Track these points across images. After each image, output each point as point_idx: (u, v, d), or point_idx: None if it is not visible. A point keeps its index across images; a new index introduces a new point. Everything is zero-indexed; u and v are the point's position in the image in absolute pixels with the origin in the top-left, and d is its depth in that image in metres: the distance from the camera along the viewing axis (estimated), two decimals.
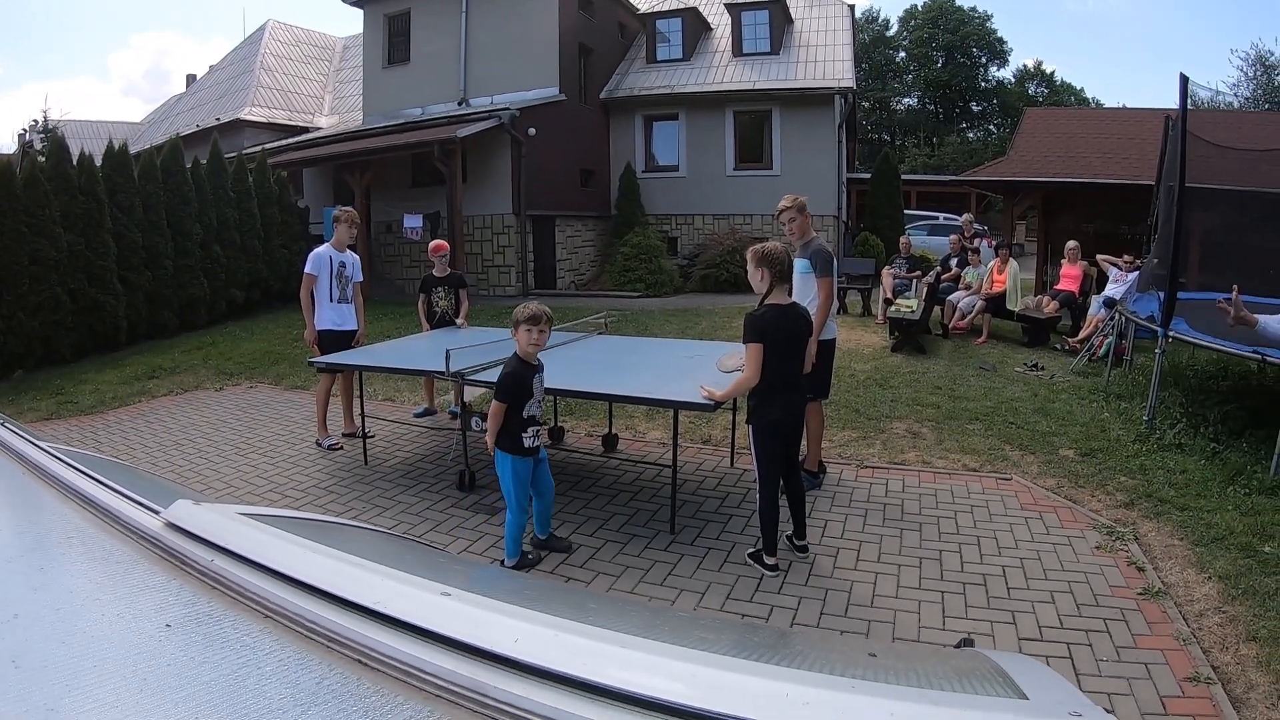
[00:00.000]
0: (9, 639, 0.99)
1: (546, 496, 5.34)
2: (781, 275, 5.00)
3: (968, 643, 2.39)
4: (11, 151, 13.26)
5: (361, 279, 8.29)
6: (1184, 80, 8.24)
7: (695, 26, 24.42)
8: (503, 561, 5.20)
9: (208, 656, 0.99)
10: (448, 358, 6.00)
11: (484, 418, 6.48)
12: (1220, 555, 5.11)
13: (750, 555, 5.35)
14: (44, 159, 13.90)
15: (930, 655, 1.76)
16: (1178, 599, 4.66)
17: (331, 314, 7.86)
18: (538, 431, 5.10)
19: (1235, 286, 7.62)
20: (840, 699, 0.81)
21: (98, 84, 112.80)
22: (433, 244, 8.86)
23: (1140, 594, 4.72)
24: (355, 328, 8.06)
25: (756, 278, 5.03)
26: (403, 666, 0.93)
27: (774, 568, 5.15)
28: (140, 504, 1.49)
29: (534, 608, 1.07)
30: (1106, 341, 10.58)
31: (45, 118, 34.78)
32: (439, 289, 8.79)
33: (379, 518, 6.07)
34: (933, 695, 0.86)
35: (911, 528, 5.75)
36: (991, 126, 61.83)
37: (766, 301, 4.98)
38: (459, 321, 8.76)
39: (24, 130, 36.56)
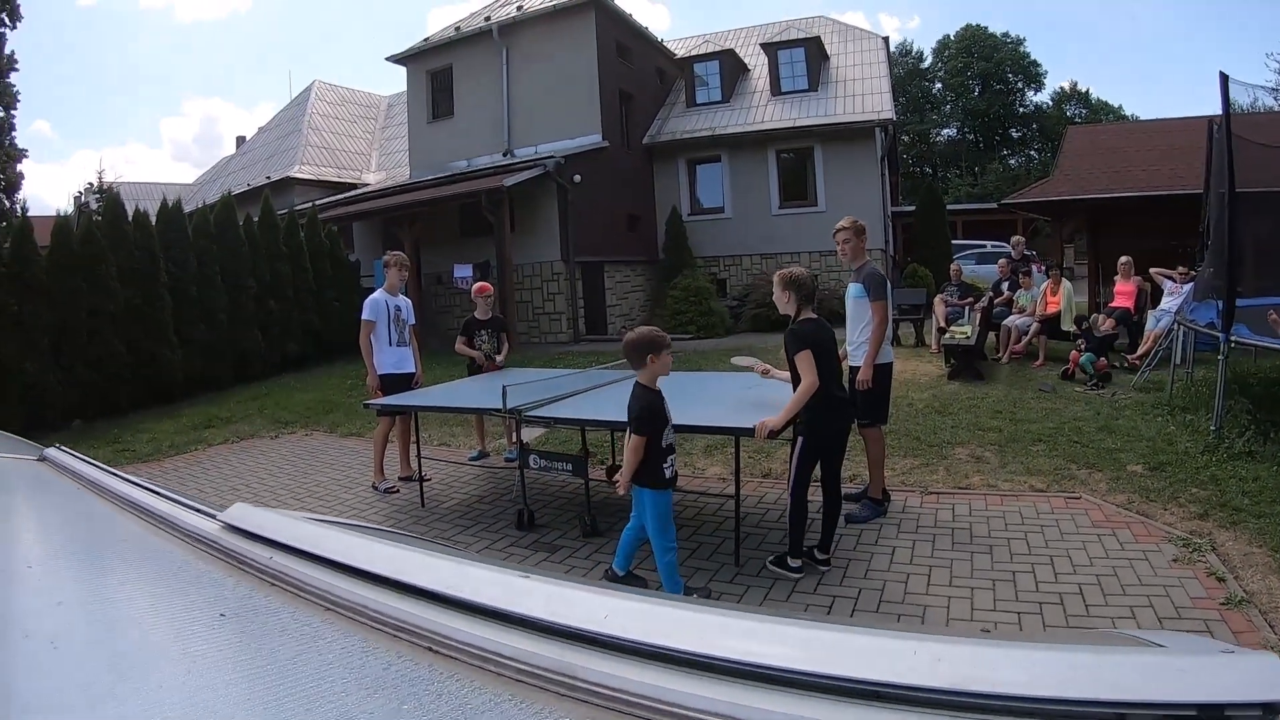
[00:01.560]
0: (49, 623, 1.00)
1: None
2: (807, 297, 5.30)
3: None
4: (68, 214, 13.63)
5: (415, 322, 8.33)
6: (1224, 79, 8.08)
7: (733, 68, 24.56)
8: None
9: (263, 644, 0.98)
10: (504, 395, 5.96)
11: (543, 455, 6.45)
12: None
13: (772, 561, 5.39)
14: (100, 217, 14.20)
15: (1047, 630, 1.65)
16: (1262, 606, 4.47)
17: (391, 357, 7.89)
18: (673, 460, 4.94)
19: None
20: (976, 652, 0.73)
21: (148, 151, 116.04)
22: (477, 285, 8.85)
23: (1223, 604, 4.54)
24: (413, 370, 8.10)
25: (783, 300, 5.33)
26: (478, 651, 0.86)
27: (799, 570, 5.23)
28: (196, 509, 1.50)
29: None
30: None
31: (100, 179, 35.62)
32: (482, 331, 8.78)
33: None
34: (1070, 647, 0.77)
35: (982, 550, 5.58)
36: (1032, 151, 61.25)
37: (800, 318, 5.22)
38: (498, 359, 8.76)
39: (80, 193, 37.48)
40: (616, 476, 4.88)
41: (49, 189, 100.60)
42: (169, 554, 1.34)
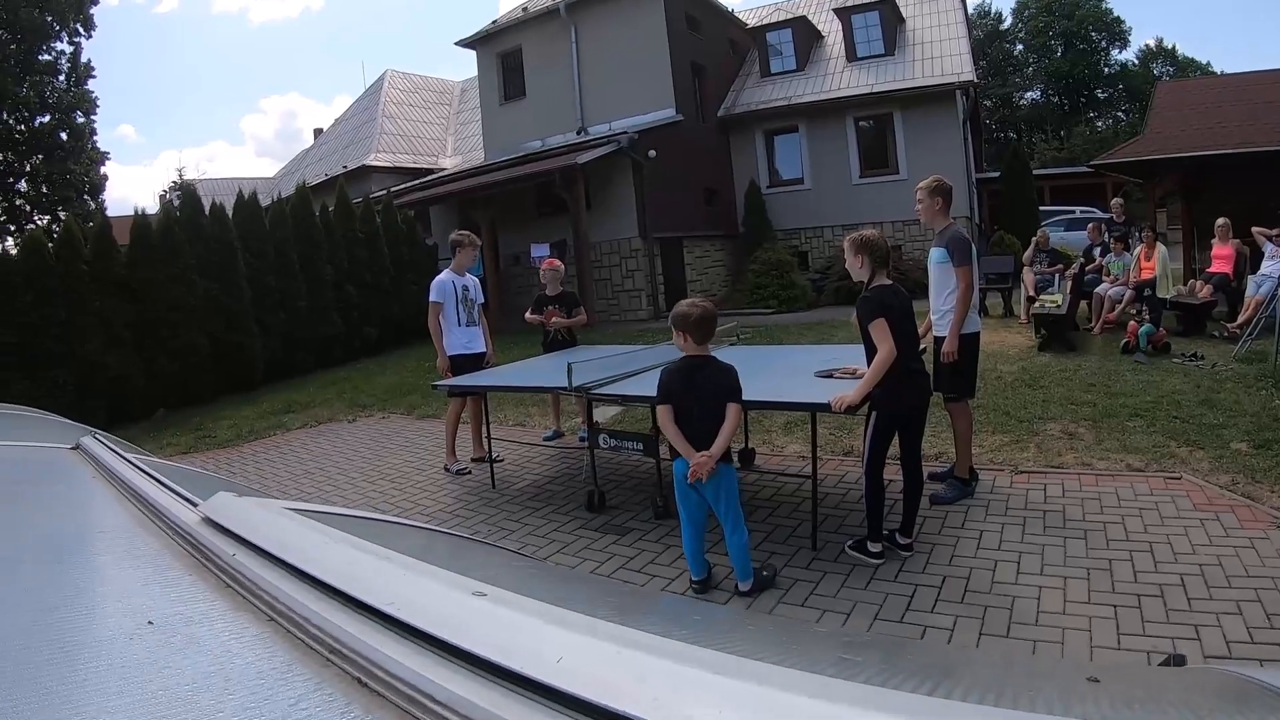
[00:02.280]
0: None
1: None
2: (880, 260, 4.98)
3: (1178, 660, 2.00)
4: (154, 212, 14.06)
5: (484, 300, 8.24)
6: None
7: (806, 36, 24.03)
8: (736, 588, 4.77)
9: (172, 662, 0.84)
10: (570, 372, 5.79)
11: (613, 435, 6.28)
12: None
13: (851, 546, 5.13)
14: (178, 212, 14.48)
15: (1166, 679, 1.39)
16: None
17: (460, 338, 7.82)
18: None
19: None
20: None
21: (231, 148, 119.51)
22: (545, 260, 8.67)
23: None
24: (484, 350, 8.02)
25: (856, 265, 5.04)
26: (408, 691, 0.68)
27: (879, 555, 4.97)
28: (185, 500, 1.45)
29: (607, 617, 0.80)
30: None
31: (180, 176, 36.62)
32: (551, 308, 8.62)
33: (504, 540, 5.89)
34: None
35: (1075, 535, 5.20)
36: (1120, 112, 59.35)
37: (873, 285, 4.93)
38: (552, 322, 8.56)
39: (165, 191, 38.58)
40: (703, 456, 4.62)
41: (136, 190, 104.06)
42: (147, 548, 1.28)
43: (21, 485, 1.98)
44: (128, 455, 2.04)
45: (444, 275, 7.85)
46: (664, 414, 4.58)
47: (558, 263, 8.70)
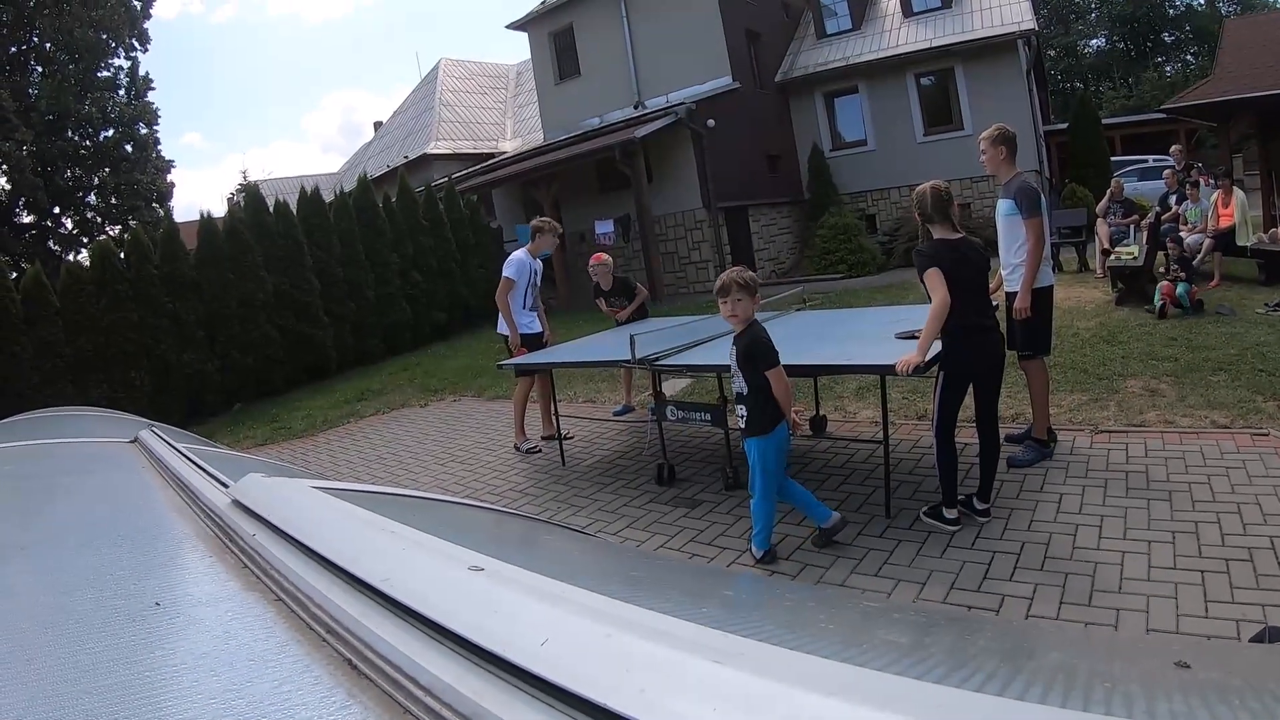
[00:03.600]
0: None
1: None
2: (931, 214, 4.90)
3: (1275, 634, 1.88)
4: (210, 214, 14.45)
5: (540, 282, 8.24)
6: None
7: None
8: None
9: (169, 643, 0.85)
10: (632, 344, 5.74)
11: (680, 406, 6.23)
12: None
13: (926, 512, 5.04)
14: (243, 211, 14.77)
15: (1264, 660, 1.28)
16: None
17: (522, 319, 7.86)
18: (742, 413, 4.72)
19: None
20: None
21: (296, 146, 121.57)
22: (592, 257, 8.61)
23: None
24: (542, 330, 8.05)
25: (919, 221, 5.04)
26: (394, 675, 0.62)
27: (955, 521, 4.87)
28: (220, 484, 1.47)
29: (615, 594, 0.73)
30: None
31: (245, 177, 37.42)
32: (614, 306, 8.62)
33: (574, 517, 5.91)
34: None
35: (1159, 497, 4.99)
36: (1189, 56, 57.26)
37: (933, 238, 4.86)
38: (621, 314, 8.58)
39: (231, 193, 39.47)
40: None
41: (205, 195, 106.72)
42: (179, 532, 1.30)
43: (76, 476, 2.06)
44: (180, 446, 2.09)
45: (522, 254, 7.85)
46: (784, 375, 4.61)
47: (604, 256, 8.62)
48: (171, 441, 2.18)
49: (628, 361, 5.95)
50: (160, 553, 1.20)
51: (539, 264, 8.02)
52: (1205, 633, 3.58)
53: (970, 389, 4.94)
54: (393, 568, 0.81)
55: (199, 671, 0.72)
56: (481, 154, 27.78)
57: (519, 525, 2.10)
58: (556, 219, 19.21)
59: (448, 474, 7.64)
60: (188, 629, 0.86)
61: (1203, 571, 4.07)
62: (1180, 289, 9.50)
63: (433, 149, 27.32)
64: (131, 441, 2.37)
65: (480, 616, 0.66)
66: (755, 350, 4.52)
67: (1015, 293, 5.73)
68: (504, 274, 7.74)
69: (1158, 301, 9.50)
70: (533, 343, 7.84)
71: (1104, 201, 13.32)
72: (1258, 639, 1.94)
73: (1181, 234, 11.87)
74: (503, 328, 7.82)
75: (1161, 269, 9.71)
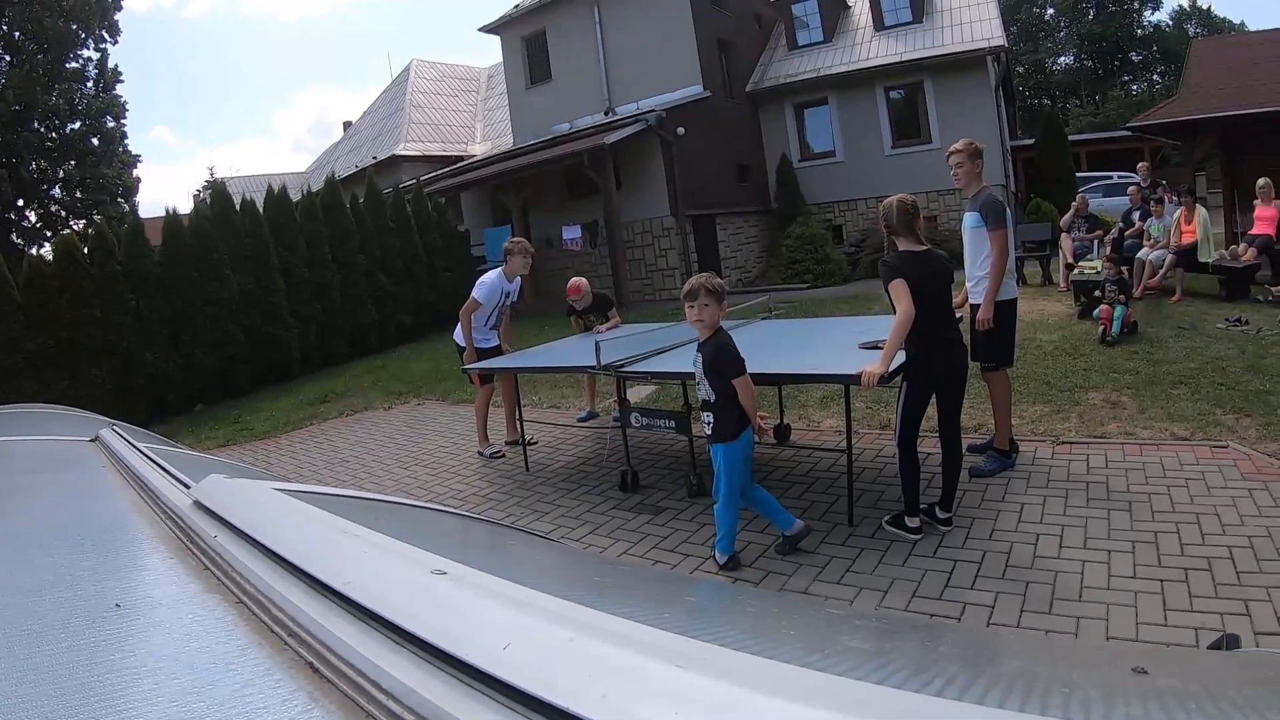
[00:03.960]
0: None
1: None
2: (896, 227, 4.95)
3: (1231, 641, 1.91)
4: (176, 210, 14.27)
5: (518, 299, 8.26)
6: None
7: (832, 6, 23.67)
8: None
9: (129, 645, 0.83)
10: (597, 350, 5.75)
11: (644, 413, 6.23)
12: None
13: (889, 521, 5.07)
14: (209, 208, 14.63)
15: (1220, 666, 1.31)
16: None
17: (478, 336, 7.85)
18: (708, 420, 4.73)
19: None
20: None
21: (267, 144, 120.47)
22: (570, 285, 8.48)
23: None
24: (498, 344, 8.04)
25: (884, 233, 5.17)
26: (356, 679, 0.62)
27: (917, 530, 4.91)
28: (181, 484, 1.46)
29: (579, 599, 0.73)
30: None
31: (212, 174, 37.04)
32: (588, 317, 8.60)
33: (537, 523, 5.89)
34: None
35: (1120, 508, 5.07)
36: (1155, 75, 58.33)
37: (899, 250, 4.91)
38: (601, 328, 8.44)
39: (198, 190, 39.11)
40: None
41: (171, 191, 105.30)
42: (139, 533, 1.28)
43: (36, 475, 2.04)
44: (141, 445, 2.09)
45: (495, 279, 7.79)
46: (751, 383, 4.63)
47: (581, 284, 8.49)
48: (133, 441, 2.17)
49: (592, 368, 5.96)
50: (120, 554, 1.19)
51: (513, 287, 7.95)
52: (1164, 640, 3.64)
53: (933, 399, 4.98)
54: (355, 571, 0.81)
55: (160, 674, 0.71)
56: (451, 157, 27.68)
57: (482, 530, 2.09)
58: (525, 224, 19.36)
59: (411, 477, 7.60)
60: (148, 631, 0.84)
61: (1162, 581, 4.15)
62: (1118, 311, 9.37)
63: (402, 150, 27.20)
64: (92, 440, 2.36)
65: (443, 620, 0.66)
66: (722, 358, 4.53)
67: (980, 304, 5.79)
68: (473, 294, 7.69)
69: (1098, 326, 9.38)
70: (485, 356, 7.80)
71: (1069, 215, 13.47)
72: (1215, 646, 1.97)
73: (1145, 249, 12.04)
74: (460, 337, 7.82)
75: (1109, 294, 9.67)
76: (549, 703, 0.52)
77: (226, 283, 13.78)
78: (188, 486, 1.38)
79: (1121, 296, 9.36)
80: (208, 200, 16.44)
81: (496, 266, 7.92)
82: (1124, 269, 10.37)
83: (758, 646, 0.86)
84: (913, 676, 0.90)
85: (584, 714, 0.50)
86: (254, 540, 0.99)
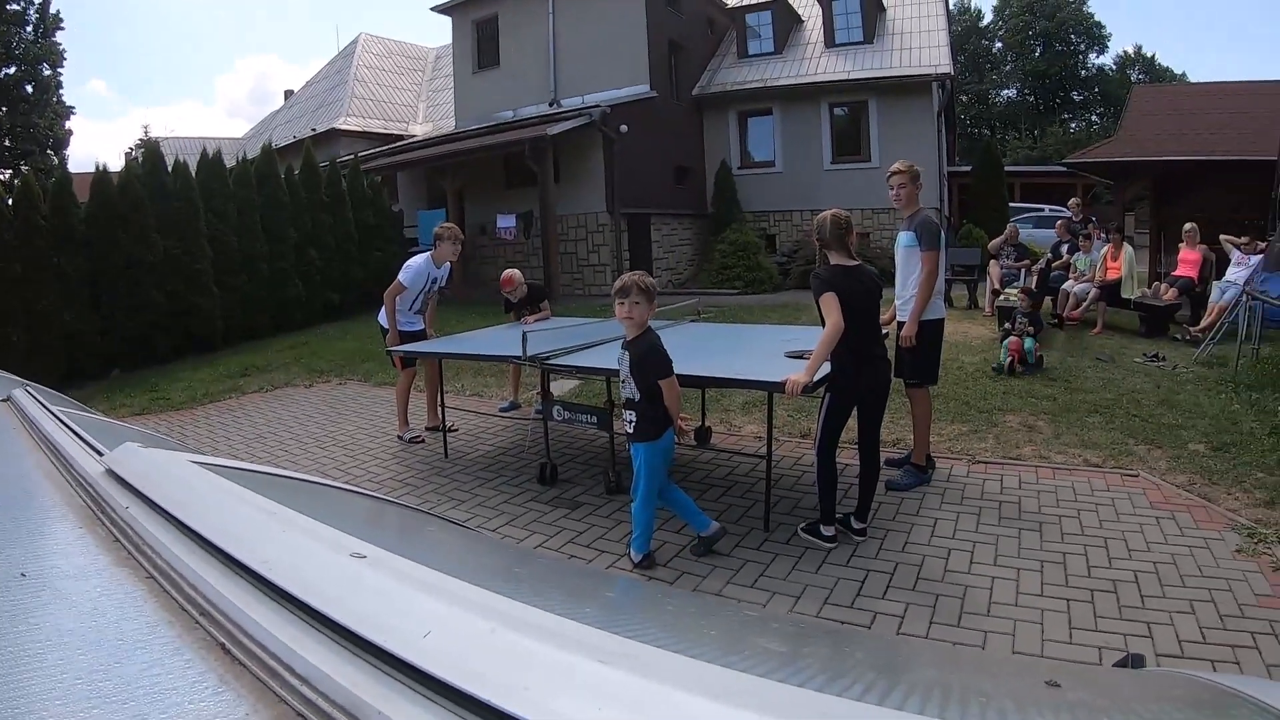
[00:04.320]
0: None
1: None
2: (829, 240, 4.98)
3: (1136, 661, 1.96)
4: (119, 170, 13.82)
5: (446, 285, 8.15)
6: None
7: (785, 19, 23.88)
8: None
9: (34, 617, 0.78)
10: (524, 340, 5.71)
11: (567, 407, 6.21)
12: None
13: (804, 528, 5.13)
14: (141, 168, 14.20)
15: (1127, 683, 1.34)
16: None
17: (405, 320, 7.75)
18: (630, 418, 4.73)
19: None
20: None
21: (203, 108, 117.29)
22: (503, 277, 8.46)
23: None
24: (423, 328, 7.96)
25: (817, 246, 5.11)
26: (270, 662, 0.60)
27: (832, 538, 4.99)
28: (94, 451, 1.40)
29: (499, 589, 0.72)
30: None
31: (147, 134, 35.99)
32: (521, 310, 8.53)
33: (454, 510, 5.84)
34: None
35: (1030, 528, 5.21)
36: (1094, 116, 59.83)
37: (830, 263, 4.95)
38: (530, 319, 8.37)
39: (131, 148, 38.03)
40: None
41: (104, 147, 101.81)
42: (49, 500, 1.22)
43: None
44: (55, 409, 2.02)
45: (422, 263, 7.69)
46: (677, 384, 4.64)
47: (514, 276, 8.50)
48: (46, 403, 2.10)
49: (517, 358, 5.92)
50: (29, 520, 1.14)
51: (441, 273, 7.87)
52: (1069, 658, 3.74)
53: (855, 412, 5.04)
54: (272, 550, 0.79)
55: (65, 649, 0.68)
56: (391, 135, 27.37)
57: (399, 514, 2.06)
58: (460, 209, 19.17)
59: (329, 458, 7.48)
60: (54, 603, 0.81)
61: (1068, 600, 4.27)
62: (1027, 344, 9.37)
63: (342, 124, 26.78)
64: (3, 400, 2.29)
65: (361, 605, 0.64)
66: (651, 358, 4.53)
67: (906, 322, 5.89)
68: (398, 277, 7.60)
69: (1004, 358, 9.30)
70: (413, 339, 7.72)
71: (998, 240, 13.73)
72: (1121, 664, 2.02)
73: (1070, 280, 12.34)
74: (384, 319, 7.72)
75: (1019, 326, 9.75)
76: (470, 694, 0.51)
77: (153, 246, 13.34)
78: (101, 454, 1.33)
79: (1032, 329, 9.36)
80: (140, 160, 15.97)
81: (428, 250, 7.83)
82: (1037, 302, 10.44)
83: (678, 645, 0.85)
84: (831, 681, 0.90)
85: (506, 707, 0.50)
86: (168, 514, 0.95)
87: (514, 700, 0.51)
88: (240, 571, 0.77)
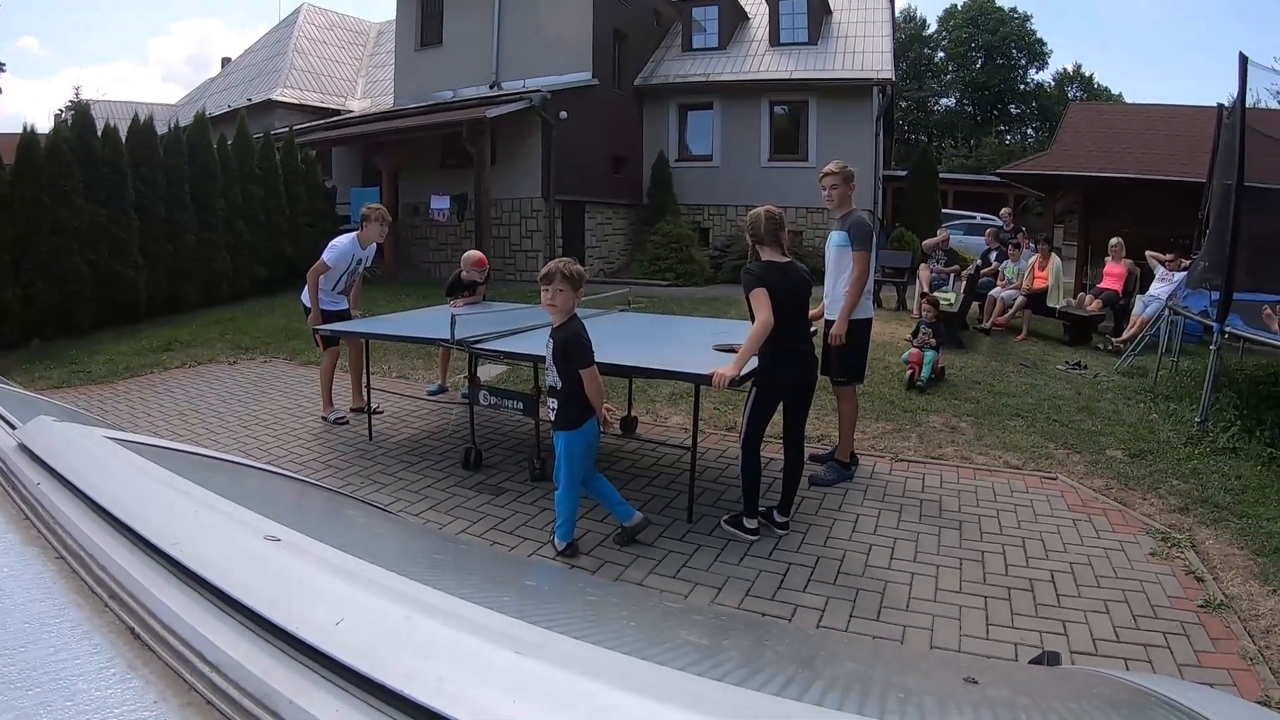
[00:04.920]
0: None
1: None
2: (762, 236, 4.99)
3: (1052, 658, 2.01)
4: (46, 131, 13.34)
5: (370, 265, 8.07)
6: (1243, 61, 7.78)
7: (732, 15, 23.97)
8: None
9: None
10: (452, 323, 5.65)
11: (493, 392, 6.17)
12: None
13: (727, 520, 5.19)
14: (69, 131, 13.75)
15: (1043, 680, 1.36)
16: (1242, 613, 4.24)
17: (328, 299, 7.60)
18: (553, 406, 4.72)
19: (1277, 305, 7.35)
20: None
21: (138, 69, 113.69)
22: (478, 257, 8.27)
23: (1201, 606, 4.31)
24: (347, 308, 7.82)
25: (749, 241, 5.11)
26: (179, 647, 0.58)
27: (754, 531, 5.05)
28: (4, 421, 1.36)
29: (417, 576, 0.70)
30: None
31: (78, 95, 34.95)
32: (460, 291, 8.32)
33: (377, 494, 5.77)
34: None
35: (950, 526, 5.34)
36: (1029, 129, 61.08)
37: (762, 259, 4.96)
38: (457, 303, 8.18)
39: (60, 110, 36.92)
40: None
41: (34, 107, 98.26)
42: None
43: None
44: None
45: (347, 244, 7.54)
46: (598, 374, 4.60)
47: (483, 258, 8.34)
48: None
49: (445, 341, 5.86)
50: None
51: (367, 254, 7.75)
52: (986, 653, 3.84)
53: (781, 407, 5.08)
54: (185, 532, 0.77)
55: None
56: (328, 109, 26.92)
57: (320, 497, 2.01)
58: (394, 188, 18.93)
59: (251, 437, 7.33)
60: None
61: (986, 597, 4.39)
62: (928, 356, 8.97)
63: (279, 96, 26.21)
64: None
65: (274, 590, 0.63)
66: (572, 347, 4.51)
67: (835, 320, 5.94)
68: (323, 255, 7.46)
69: (905, 371, 9.03)
70: (330, 318, 7.54)
71: (932, 241, 13.96)
72: (1037, 661, 2.07)
73: (998, 287, 12.59)
74: (307, 299, 7.55)
75: (921, 337, 9.32)
76: (382, 684, 0.50)
77: (78, 212, 12.84)
78: (14, 427, 1.29)
79: (934, 341, 9.18)
80: (69, 122, 15.42)
81: (357, 229, 7.69)
82: (937, 311, 10.13)
83: (598, 636, 0.85)
84: (752, 675, 0.90)
85: (418, 698, 0.49)
86: (80, 491, 0.92)
87: (427, 690, 0.50)
88: (152, 553, 0.75)
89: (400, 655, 0.53)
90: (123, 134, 14.15)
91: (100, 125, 14.02)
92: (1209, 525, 5.37)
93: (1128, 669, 3.64)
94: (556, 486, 4.75)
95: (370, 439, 7.15)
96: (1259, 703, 3.39)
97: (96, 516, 0.86)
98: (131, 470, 1.02)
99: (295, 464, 6.51)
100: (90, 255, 13.03)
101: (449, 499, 5.74)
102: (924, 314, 9.68)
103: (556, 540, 4.82)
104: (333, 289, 7.59)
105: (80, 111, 14.65)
